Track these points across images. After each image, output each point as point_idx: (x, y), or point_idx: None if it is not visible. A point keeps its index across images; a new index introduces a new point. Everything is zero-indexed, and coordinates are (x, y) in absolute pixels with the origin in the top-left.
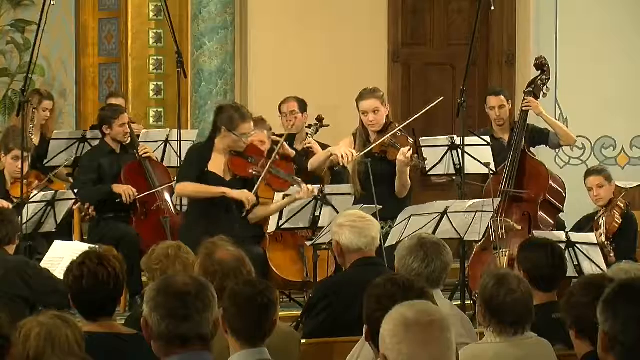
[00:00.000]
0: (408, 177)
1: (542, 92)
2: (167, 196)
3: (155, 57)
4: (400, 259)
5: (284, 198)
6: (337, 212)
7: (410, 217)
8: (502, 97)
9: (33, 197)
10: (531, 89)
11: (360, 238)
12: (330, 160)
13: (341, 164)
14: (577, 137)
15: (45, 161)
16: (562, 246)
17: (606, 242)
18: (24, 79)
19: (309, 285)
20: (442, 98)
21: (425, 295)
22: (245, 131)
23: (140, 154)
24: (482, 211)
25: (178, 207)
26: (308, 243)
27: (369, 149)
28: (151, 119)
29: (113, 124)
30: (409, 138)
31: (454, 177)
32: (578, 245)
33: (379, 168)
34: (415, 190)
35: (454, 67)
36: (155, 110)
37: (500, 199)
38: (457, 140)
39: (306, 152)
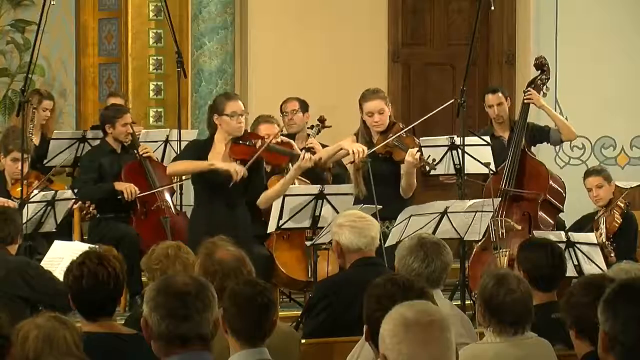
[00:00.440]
0: (414, 177)
1: (542, 92)
2: (167, 196)
3: (155, 57)
4: (400, 259)
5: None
6: (337, 212)
7: (410, 217)
8: (499, 94)
9: (33, 197)
10: (531, 89)
11: (360, 238)
12: (338, 154)
13: (352, 160)
14: (577, 137)
15: (45, 161)
16: (562, 246)
17: (606, 242)
18: (24, 79)
19: (310, 285)
20: (452, 101)
21: (425, 295)
22: (235, 109)
23: (140, 153)
24: (482, 211)
25: (178, 207)
26: (308, 243)
27: (375, 148)
28: (151, 119)
29: (116, 123)
30: (415, 139)
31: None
32: (578, 245)
33: (383, 168)
34: (415, 190)
35: (454, 67)
36: (155, 110)
37: (500, 199)
38: (457, 140)
39: (307, 151)
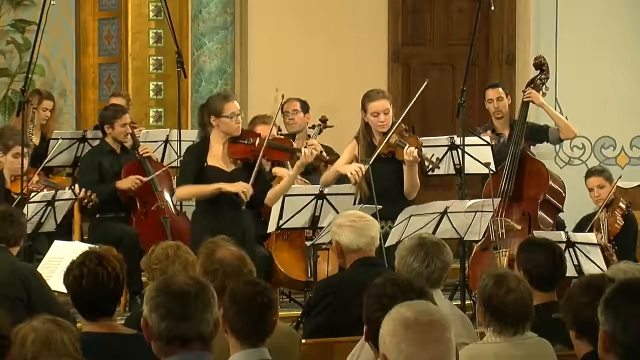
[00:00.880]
0: (417, 176)
1: (541, 92)
2: (167, 196)
3: (155, 57)
4: (401, 259)
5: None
6: (337, 212)
7: (410, 217)
8: (499, 89)
9: (34, 196)
10: (531, 88)
11: (360, 238)
12: (336, 176)
13: (352, 182)
14: (577, 137)
15: (45, 161)
16: (562, 246)
17: (608, 245)
18: (24, 79)
19: (310, 285)
20: (426, 82)
21: (425, 295)
22: (233, 110)
23: (140, 153)
24: (482, 211)
25: (178, 207)
26: (308, 243)
27: (376, 153)
28: (151, 119)
29: (115, 123)
30: (418, 138)
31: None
32: (578, 245)
33: (385, 168)
34: None
35: (454, 67)
36: (155, 110)
37: (500, 199)
38: (457, 140)
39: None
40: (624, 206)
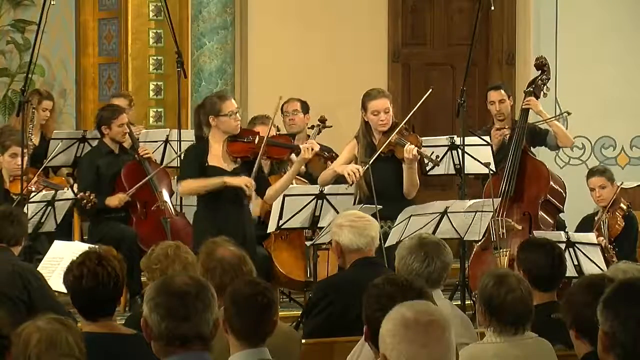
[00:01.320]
0: (417, 175)
1: (542, 92)
2: (166, 197)
3: (155, 57)
4: (401, 259)
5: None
6: (337, 212)
7: (410, 217)
8: (502, 91)
9: (34, 196)
10: (531, 89)
11: (360, 238)
12: (334, 177)
13: (350, 182)
14: (577, 137)
15: (45, 162)
16: (562, 246)
17: (609, 247)
18: (24, 79)
19: (310, 285)
20: (431, 90)
21: (425, 295)
22: (231, 108)
23: (140, 154)
24: (482, 211)
25: (178, 208)
26: (308, 243)
27: (377, 153)
28: (151, 119)
29: (112, 124)
30: (418, 137)
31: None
32: (578, 245)
33: (385, 168)
34: None
35: (454, 67)
36: (155, 110)
37: (500, 199)
38: (457, 140)
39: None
40: (624, 207)
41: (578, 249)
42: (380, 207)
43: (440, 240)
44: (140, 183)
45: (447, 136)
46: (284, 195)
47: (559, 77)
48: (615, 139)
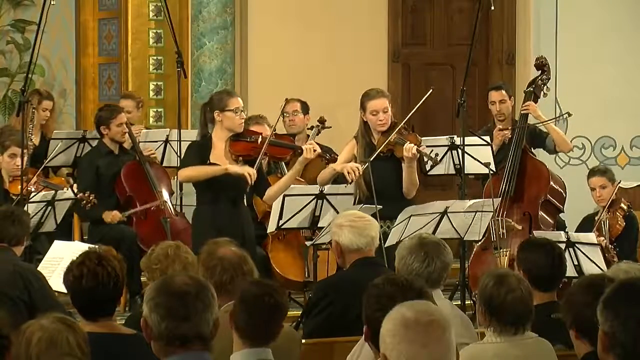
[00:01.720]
0: (416, 174)
1: (542, 92)
2: (166, 197)
3: (155, 57)
4: (401, 259)
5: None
6: (337, 212)
7: (410, 217)
8: (503, 91)
9: (33, 197)
10: (532, 89)
11: (360, 238)
12: (333, 175)
13: (349, 180)
14: (577, 137)
15: (45, 162)
16: (562, 246)
17: (610, 247)
18: (24, 79)
19: (310, 285)
20: (431, 90)
21: (425, 295)
22: (237, 105)
23: (145, 156)
24: (482, 211)
25: (177, 208)
26: (308, 243)
27: (377, 153)
28: (151, 119)
29: (110, 124)
30: (418, 136)
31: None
32: (578, 245)
33: (385, 167)
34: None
35: (454, 67)
36: (155, 110)
37: (500, 199)
38: (457, 140)
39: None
40: (625, 207)
41: (578, 249)
42: (380, 207)
43: (440, 240)
44: (139, 208)
45: (447, 136)
46: (284, 195)
47: (559, 77)
48: (615, 139)
